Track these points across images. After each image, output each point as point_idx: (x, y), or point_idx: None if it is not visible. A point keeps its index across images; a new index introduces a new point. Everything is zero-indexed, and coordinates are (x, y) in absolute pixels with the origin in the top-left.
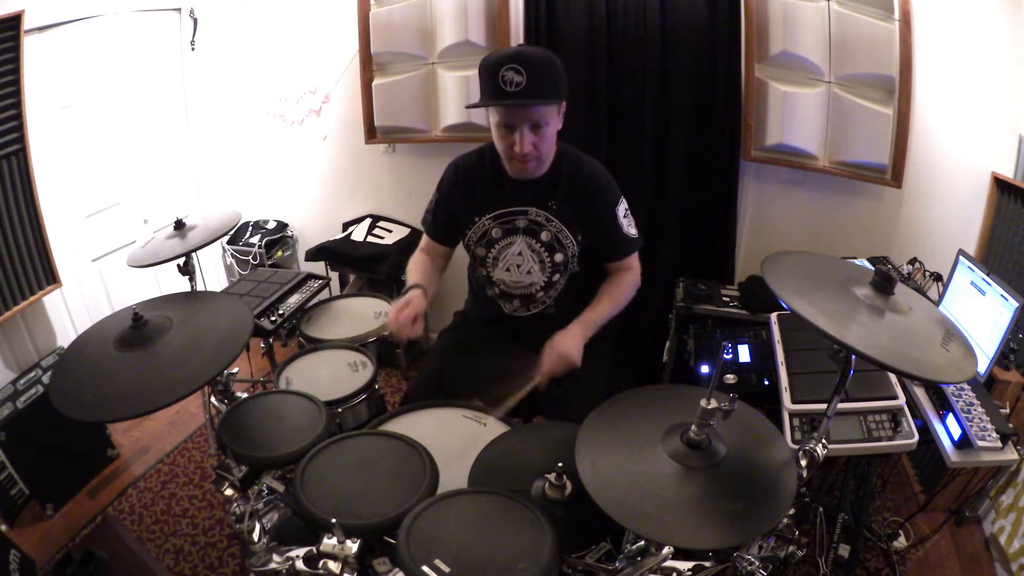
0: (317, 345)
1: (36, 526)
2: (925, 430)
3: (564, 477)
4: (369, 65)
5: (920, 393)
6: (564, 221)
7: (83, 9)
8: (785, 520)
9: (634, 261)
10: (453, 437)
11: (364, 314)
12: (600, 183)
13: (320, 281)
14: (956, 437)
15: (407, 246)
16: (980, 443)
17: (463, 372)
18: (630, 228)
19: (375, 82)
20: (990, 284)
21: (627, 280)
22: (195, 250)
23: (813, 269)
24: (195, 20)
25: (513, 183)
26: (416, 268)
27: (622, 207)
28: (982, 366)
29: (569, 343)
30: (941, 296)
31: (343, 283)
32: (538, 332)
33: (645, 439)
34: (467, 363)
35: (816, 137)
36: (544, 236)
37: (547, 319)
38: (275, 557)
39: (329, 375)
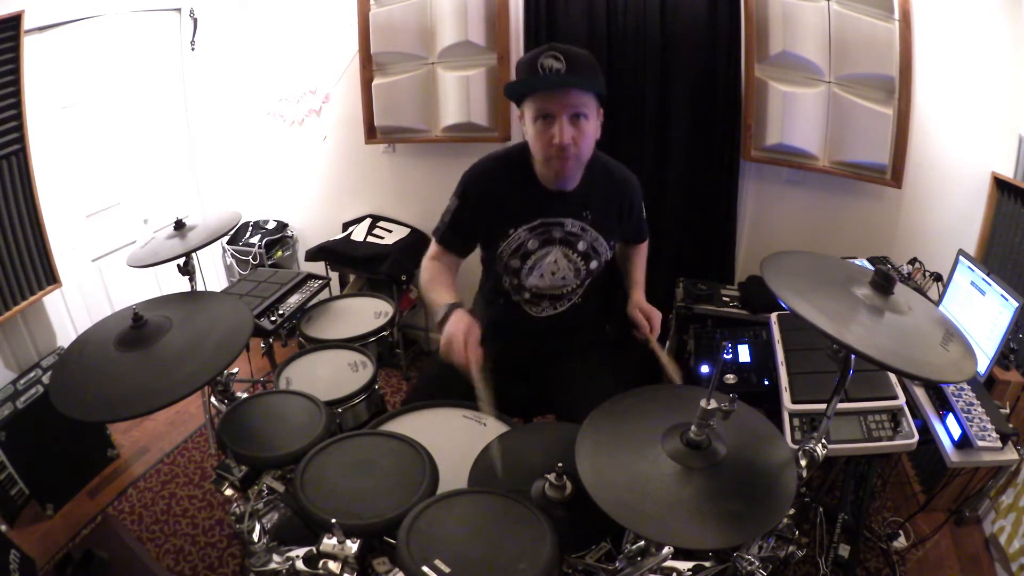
0: (317, 345)
1: (36, 526)
2: (925, 430)
3: (564, 477)
4: (369, 65)
5: (920, 393)
6: (600, 230)
7: (83, 9)
8: (785, 520)
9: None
10: (453, 437)
11: (364, 314)
12: (632, 188)
13: (320, 281)
14: (956, 437)
15: (407, 246)
16: (980, 443)
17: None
18: (644, 215)
19: (375, 82)
20: (990, 284)
21: (645, 248)
22: (195, 250)
23: (813, 269)
24: (195, 20)
25: (547, 193)
26: (439, 280)
27: (642, 202)
28: (982, 366)
29: (645, 302)
30: (941, 296)
31: (343, 283)
32: (564, 324)
33: (645, 439)
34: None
35: (816, 137)
36: (581, 246)
37: (574, 311)
38: (275, 557)
39: (329, 375)
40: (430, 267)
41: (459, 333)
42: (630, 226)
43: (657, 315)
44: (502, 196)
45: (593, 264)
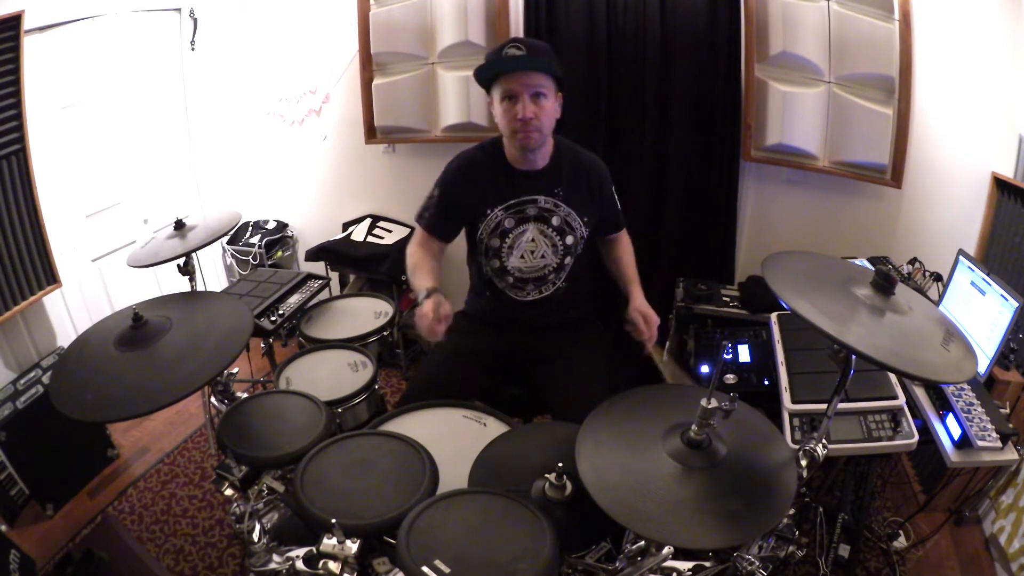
0: (317, 345)
1: (36, 526)
2: (925, 430)
3: (564, 477)
4: (369, 65)
5: (920, 393)
6: (572, 205)
7: (83, 9)
8: (785, 520)
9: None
10: (453, 437)
11: (364, 314)
12: (599, 168)
13: (320, 281)
14: (956, 437)
15: (407, 246)
16: (980, 443)
17: (464, 376)
18: (618, 204)
19: (375, 82)
20: (990, 284)
21: (629, 243)
22: (195, 250)
23: (813, 269)
24: (195, 20)
25: (520, 174)
26: (422, 267)
27: (613, 187)
28: (982, 366)
29: (646, 305)
30: (941, 296)
31: (343, 283)
32: (551, 311)
33: (645, 439)
34: (469, 367)
35: (816, 137)
36: (555, 221)
37: (559, 297)
38: (275, 557)
39: (329, 375)
40: (415, 253)
41: (428, 311)
42: (602, 207)
43: (655, 320)
44: (478, 181)
45: (569, 239)
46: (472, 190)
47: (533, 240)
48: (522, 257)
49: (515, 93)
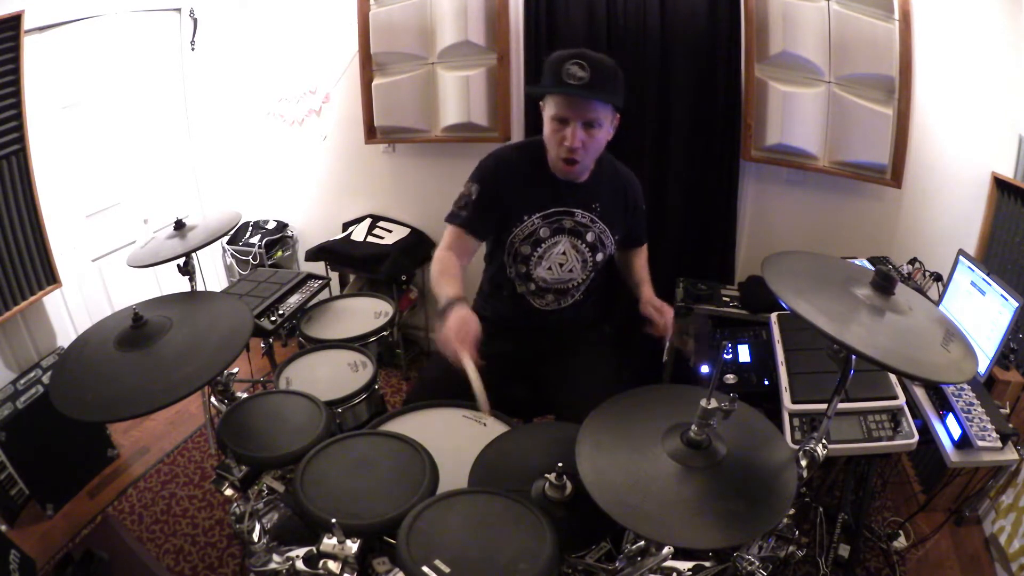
0: (317, 345)
1: (36, 526)
2: (925, 430)
3: (564, 477)
4: (369, 65)
5: (920, 393)
6: (607, 222)
7: (83, 9)
8: (785, 520)
9: None
10: (453, 437)
11: (364, 314)
12: (635, 185)
13: (320, 281)
14: (956, 437)
15: (407, 246)
16: (980, 443)
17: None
18: (645, 219)
19: (375, 82)
20: (990, 284)
21: (645, 251)
22: (195, 250)
23: (813, 269)
24: (195, 20)
25: (560, 184)
26: (447, 272)
27: (644, 204)
28: (982, 366)
29: (656, 298)
30: (941, 296)
31: (343, 283)
32: (565, 322)
33: (645, 439)
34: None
35: (816, 137)
36: (589, 237)
37: (576, 308)
38: (275, 557)
39: (329, 375)
40: (442, 258)
41: (453, 332)
42: (635, 223)
43: (669, 310)
44: (518, 183)
45: (599, 256)
46: (512, 192)
47: (564, 254)
48: (550, 269)
49: (566, 118)
